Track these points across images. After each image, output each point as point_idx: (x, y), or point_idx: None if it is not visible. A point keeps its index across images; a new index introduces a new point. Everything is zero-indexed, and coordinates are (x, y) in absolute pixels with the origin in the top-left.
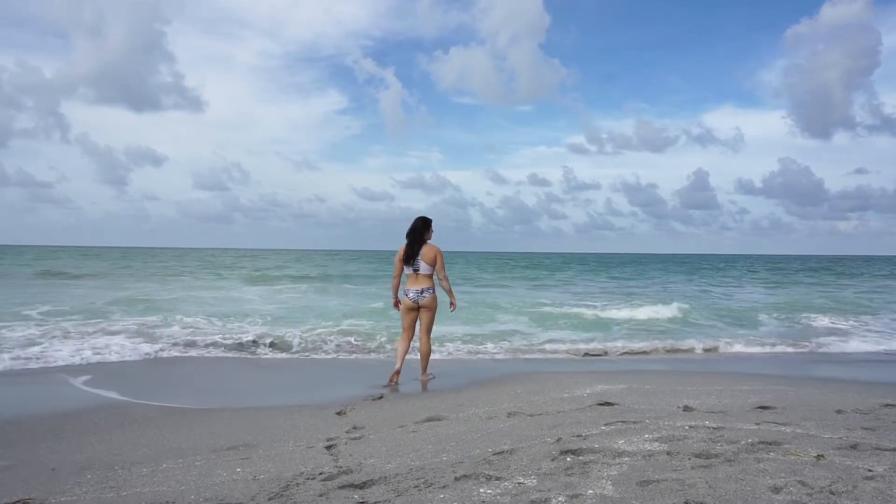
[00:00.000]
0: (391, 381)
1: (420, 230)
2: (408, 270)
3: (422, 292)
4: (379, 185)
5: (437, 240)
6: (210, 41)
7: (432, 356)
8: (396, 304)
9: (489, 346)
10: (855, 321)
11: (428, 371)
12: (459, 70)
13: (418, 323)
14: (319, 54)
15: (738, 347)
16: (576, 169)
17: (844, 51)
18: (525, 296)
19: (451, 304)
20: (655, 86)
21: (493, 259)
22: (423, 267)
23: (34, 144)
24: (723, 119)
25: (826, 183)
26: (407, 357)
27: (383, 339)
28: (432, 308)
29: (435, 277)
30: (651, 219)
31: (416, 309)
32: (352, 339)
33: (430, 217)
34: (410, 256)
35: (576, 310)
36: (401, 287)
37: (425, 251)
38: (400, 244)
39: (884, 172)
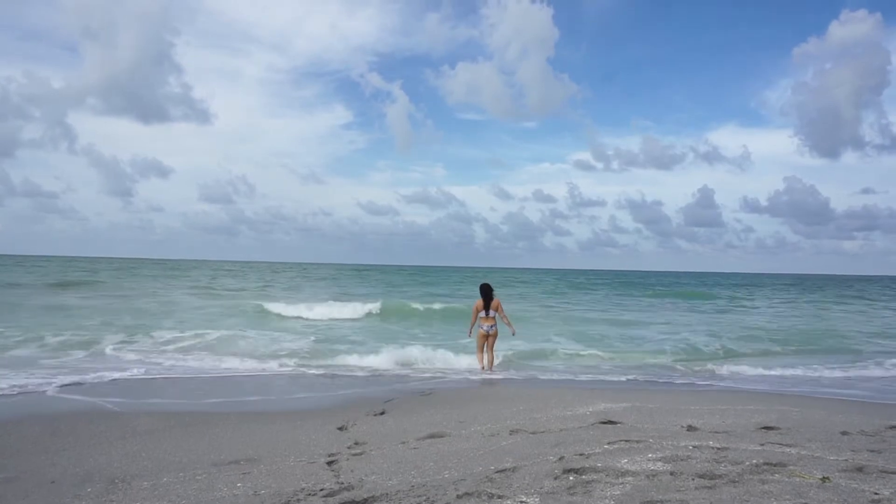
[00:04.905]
0: (482, 369)
1: (491, 291)
2: (482, 314)
3: (491, 327)
4: (384, 199)
5: (442, 255)
6: (218, 54)
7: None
8: (470, 333)
9: None
10: None
11: (495, 367)
12: (467, 85)
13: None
14: (325, 69)
15: None
16: (581, 185)
17: (853, 70)
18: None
19: (512, 332)
20: (662, 103)
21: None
22: (492, 312)
23: (41, 155)
24: (730, 137)
25: (832, 202)
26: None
27: None
28: (496, 335)
29: (497, 317)
30: (656, 236)
31: (487, 336)
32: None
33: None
34: (486, 306)
35: None
36: (476, 322)
37: (492, 302)
38: (403, 260)
39: (891, 192)
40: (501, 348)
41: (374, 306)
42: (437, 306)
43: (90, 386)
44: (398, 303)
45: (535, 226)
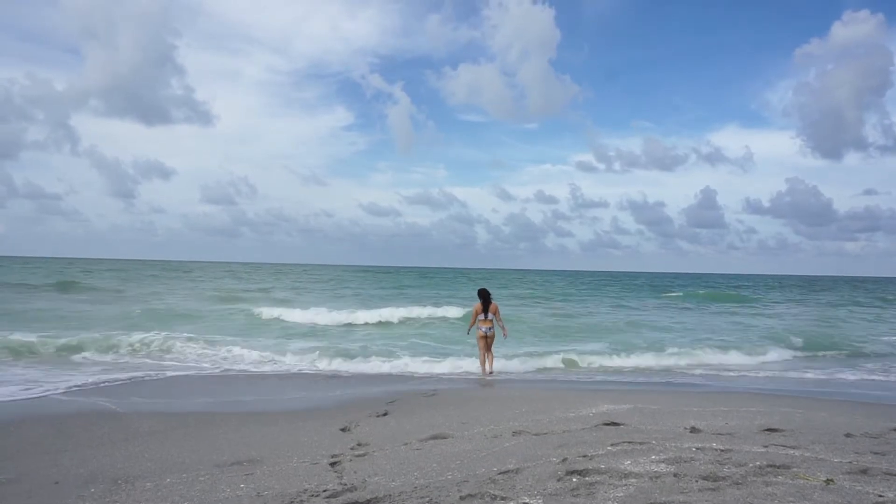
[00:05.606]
0: (484, 373)
1: (489, 296)
2: (481, 317)
3: (489, 329)
4: (385, 200)
5: (444, 256)
6: (219, 56)
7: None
8: (469, 331)
9: None
10: None
11: (494, 369)
12: (468, 86)
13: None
14: (327, 71)
15: None
16: (583, 186)
17: (855, 71)
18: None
19: (504, 334)
20: (664, 104)
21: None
22: (490, 315)
23: (44, 157)
24: (731, 138)
25: (834, 203)
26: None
27: None
28: (494, 337)
29: (494, 320)
30: (658, 237)
31: (485, 337)
32: None
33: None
34: (485, 310)
35: None
36: (475, 325)
37: (491, 307)
38: (405, 261)
39: (893, 194)
40: (515, 353)
41: (375, 309)
42: (439, 309)
43: (92, 388)
44: (399, 305)
45: (537, 227)
